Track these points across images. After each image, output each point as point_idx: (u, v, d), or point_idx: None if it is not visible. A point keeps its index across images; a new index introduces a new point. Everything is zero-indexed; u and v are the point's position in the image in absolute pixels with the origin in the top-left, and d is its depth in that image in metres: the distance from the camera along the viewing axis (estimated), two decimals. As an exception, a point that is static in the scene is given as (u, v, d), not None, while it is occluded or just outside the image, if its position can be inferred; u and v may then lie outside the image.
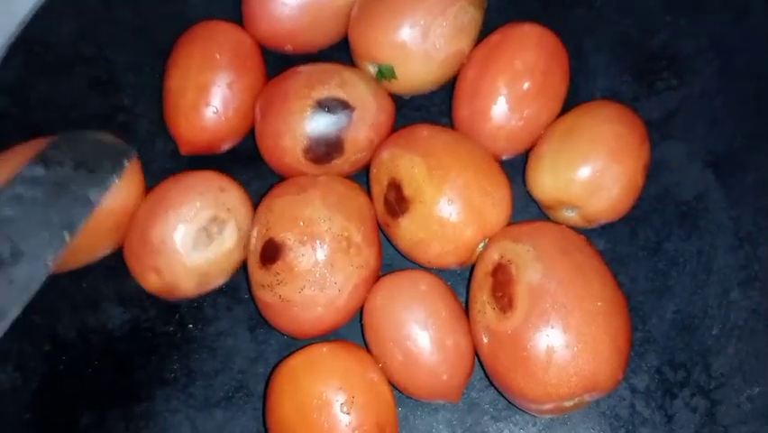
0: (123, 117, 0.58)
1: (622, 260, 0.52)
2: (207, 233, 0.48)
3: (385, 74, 0.52)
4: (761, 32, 0.57)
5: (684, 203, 0.53)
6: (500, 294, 0.44)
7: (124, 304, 0.52)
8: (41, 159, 0.48)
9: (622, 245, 0.53)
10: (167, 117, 0.54)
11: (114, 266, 0.53)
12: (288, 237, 0.46)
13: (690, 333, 0.50)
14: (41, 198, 0.46)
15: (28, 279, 0.44)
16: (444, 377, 0.46)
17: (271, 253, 0.47)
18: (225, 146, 0.54)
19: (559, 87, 0.51)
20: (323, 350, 0.46)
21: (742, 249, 0.52)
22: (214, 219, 0.49)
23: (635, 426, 0.48)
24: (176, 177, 0.51)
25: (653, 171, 0.53)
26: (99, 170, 0.49)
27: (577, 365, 0.41)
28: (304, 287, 0.46)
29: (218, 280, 0.51)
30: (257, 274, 0.47)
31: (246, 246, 0.50)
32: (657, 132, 0.55)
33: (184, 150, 0.53)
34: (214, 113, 0.52)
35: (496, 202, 0.48)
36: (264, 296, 0.47)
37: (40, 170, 0.48)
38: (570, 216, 0.50)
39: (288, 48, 0.55)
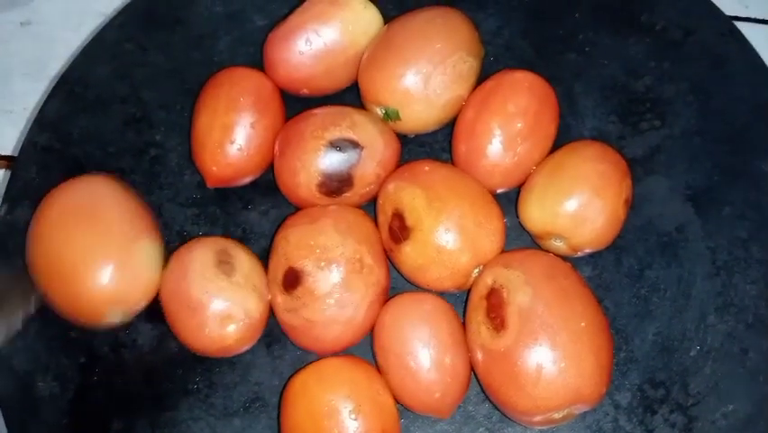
0: (154, 151, 0.61)
1: (607, 286, 0.55)
2: (224, 263, 0.51)
3: (390, 116, 0.56)
4: (737, 78, 0.60)
5: (666, 234, 0.56)
6: (494, 315, 0.47)
7: (152, 321, 0.55)
8: None
9: (607, 272, 0.55)
10: (195, 153, 0.58)
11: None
12: (306, 264, 0.50)
13: (669, 354, 0.53)
14: None
15: None
16: (437, 395, 0.48)
17: (292, 279, 0.50)
18: (248, 179, 0.58)
19: (548, 128, 0.55)
20: (332, 363, 0.50)
21: (718, 277, 0.54)
22: (218, 253, 0.52)
23: (617, 439, 0.51)
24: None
25: (638, 204, 0.56)
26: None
27: (564, 380, 0.44)
28: (326, 308, 0.49)
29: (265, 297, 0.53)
30: (281, 300, 0.51)
31: (268, 274, 0.53)
32: (641, 168, 0.58)
33: (210, 183, 0.57)
34: (238, 150, 0.56)
35: (489, 232, 0.51)
36: (290, 319, 0.51)
37: None
38: (558, 245, 0.53)
39: (304, 91, 0.59)
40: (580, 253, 0.54)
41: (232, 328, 0.50)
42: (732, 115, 0.59)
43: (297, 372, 0.51)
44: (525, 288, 0.47)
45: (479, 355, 0.48)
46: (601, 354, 0.46)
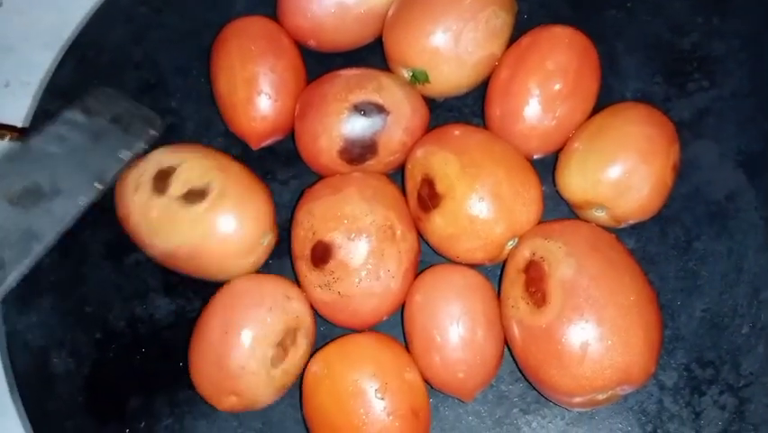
0: (170, 119, 0.58)
1: (652, 258, 0.51)
2: (283, 347, 0.47)
3: (419, 78, 0.53)
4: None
5: (714, 202, 0.52)
6: (534, 289, 0.44)
7: (170, 295, 0.53)
8: (83, 107, 0.51)
9: (652, 244, 0.52)
10: (227, 120, 0.55)
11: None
12: (335, 236, 0.47)
13: (719, 331, 0.49)
14: (80, 143, 0.49)
15: (63, 213, 0.46)
16: (461, 375, 0.46)
17: (322, 254, 0.47)
18: (289, 128, 0.54)
19: (590, 88, 0.51)
20: (355, 340, 0.47)
21: None
22: (288, 332, 0.47)
23: (662, 421, 0.47)
24: (240, 287, 0.48)
25: (684, 171, 0.52)
26: (131, 131, 0.51)
27: (611, 358, 0.41)
28: (360, 280, 0.46)
29: (291, 384, 0.49)
30: (311, 276, 0.48)
31: (293, 251, 0.50)
32: (688, 132, 0.54)
33: (254, 144, 0.54)
34: (269, 98, 0.52)
35: (526, 201, 0.47)
36: (322, 295, 0.48)
37: (81, 117, 0.50)
38: (599, 215, 0.49)
39: (311, 43, 0.56)
40: (623, 225, 0.50)
41: None
42: None
43: (318, 350, 0.48)
44: (567, 259, 0.43)
45: (516, 332, 0.45)
46: (651, 329, 0.42)
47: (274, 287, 0.48)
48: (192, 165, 0.49)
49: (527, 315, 0.44)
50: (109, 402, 0.51)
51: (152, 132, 0.52)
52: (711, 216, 0.52)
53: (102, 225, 0.54)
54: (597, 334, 0.41)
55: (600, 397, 0.43)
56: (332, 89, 0.51)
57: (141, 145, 0.51)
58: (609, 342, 0.41)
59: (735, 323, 0.49)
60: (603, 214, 0.49)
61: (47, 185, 0.47)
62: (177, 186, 0.48)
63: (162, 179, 0.49)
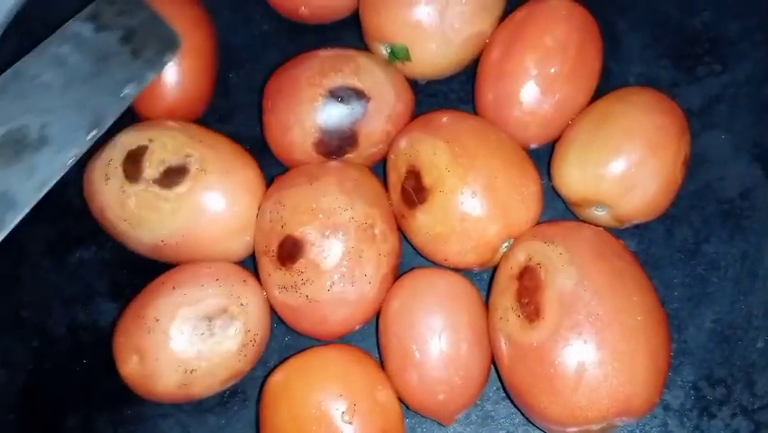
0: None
1: (656, 263, 0.46)
2: (209, 324, 0.41)
3: (398, 55, 0.47)
4: (816, 12, 0.50)
5: (727, 200, 0.47)
6: (526, 301, 0.39)
7: (117, 299, 0.48)
8: (94, 16, 0.44)
9: (656, 246, 0.47)
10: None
11: (108, 259, 0.49)
12: (308, 232, 0.41)
13: (731, 345, 0.45)
14: (81, 69, 0.42)
15: (47, 172, 0.40)
16: (441, 397, 0.40)
17: (291, 251, 0.42)
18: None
19: (593, 67, 0.46)
20: (319, 354, 0.41)
21: None
22: (223, 312, 0.41)
23: (667, 447, 0.43)
24: (204, 262, 0.44)
25: (693, 165, 0.47)
26: (143, 54, 0.44)
27: (610, 387, 0.36)
28: (333, 284, 0.41)
29: (203, 388, 0.42)
30: (275, 276, 0.42)
31: (255, 244, 0.44)
32: (698, 121, 0.49)
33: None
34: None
35: (525, 198, 0.42)
36: (287, 299, 0.42)
37: (89, 30, 0.43)
38: (599, 215, 0.44)
39: (303, 12, 0.50)
40: (625, 225, 0.44)
41: None
42: None
43: (278, 365, 0.42)
44: (568, 268, 0.38)
45: (503, 348, 0.40)
46: (658, 356, 0.37)
47: (237, 269, 0.44)
48: (164, 141, 0.44)
49: (517, 329, 0.38)
50: (45, 420, 0.47)
51: (167, 56, 0.45)
52: (723, 215, 0.47)
53: (43, 217, 0.48)
54: (596, 358, 0.36)
55: (594, 428, 0.38)
56: (304, 73, 0.46)
57: (151, 75, 0.44)
58: (610, 368, 0.36)
59: (748, 336, 0.45)
60: (604, 213, 0.44)
61: (34, 130, 0.40)
62: (151, 168, 0.43)
63: (134, 163, 0.43)
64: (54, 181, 0.41)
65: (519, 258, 0.41)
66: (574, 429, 0.38)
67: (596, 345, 0.36)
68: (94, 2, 0.44)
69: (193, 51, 0.47)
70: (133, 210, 0.43)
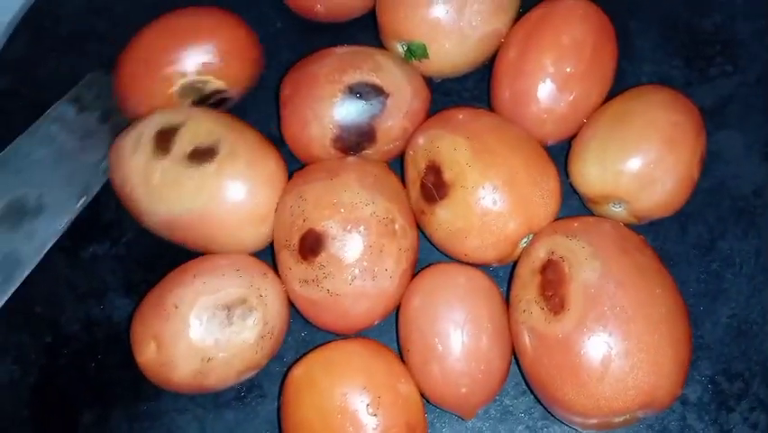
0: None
1: (671, 259, 0.47)
2: (228, 313, 0.41)
3: (415, 53, 0.47)
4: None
5: (741, 198, 0.48)
6: (551, 293, 0.39)
7: (131, 294, 0.48)
8: (75, 98, 0.49)
9: (671, 243, 0.47)
10: None
11: (122, 255, 0.49)
12: (330, 226, 0.41)
13: (747, 340, 0.45)
14: (68, 146, 0.47)
15: (45, 234, 0.45)
16: (463, 390, 0.40)
17: (313, 244, 0.41)
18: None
19: (608, 66, 0.46)
20: (342, 348, 0.41)
21: None
22: (242, 302, 0.41)
23: (685, 441, 0.43)
24: (225, 255, 0.44)
25: (707, 163, 0.47)
26: (119, 131, 0.47)
27: (636, 378, 0.36)
28: (354, 278, 0.41)
29: (218, 379, 0.42)
30: (296, 270, 0.42)
31: (275, 238, 0.44)
32: (711, 121, 0.49)
33: None
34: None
35: (545, 194, 0.42)
36: (308, 292, 0.42)
37: (71, 112, 0.48)
38: (617, 211, 0.44)
39: (319, 9, 0.51)
40: (641, 222, 0.45)
41: None
42: None
43: (299, 358, 0.42)
44: (592, 262, 0.38)
45: (527, 341, 0.40)
46: (681, 347, 0.38)
47: (258, 261, 0.44)
48: (198, 123, 0.44)
49: (541, 322, 0.39)
50: (58, 416, 0.46)
51: None
52: (737, 212, 0.48)
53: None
54: (622, 349, 0.36)
55: (617, 420, 0.38)
56: (322, 69, 0.46)
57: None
58: (635, 359, 0.36)
59: (764, 330, 0.45)
60: (621, 209, 0.44)
61: (32, 200, 0.45)
62: (181, 145, 0.43)
63: (165, 139, 0.43)
64: (51, 243, 0.45)
65: (541, 252, 0.41)
66: (596, 421, 0.38)
67: (621, 337, 0.36)
68: (75, 87, 0.49)
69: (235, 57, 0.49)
70: (156, 184, 0.43)
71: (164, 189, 0.43)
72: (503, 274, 0.46)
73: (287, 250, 0.43)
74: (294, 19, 0.53)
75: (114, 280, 0.49)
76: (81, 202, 0.47)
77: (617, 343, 0.36)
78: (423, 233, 0.46)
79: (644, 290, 0.37)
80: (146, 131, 0.44)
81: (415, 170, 0.45)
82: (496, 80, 0.47)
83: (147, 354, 0.41)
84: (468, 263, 0.44)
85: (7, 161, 0.45)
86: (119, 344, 0.46)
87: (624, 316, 0.36)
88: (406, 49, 0.48)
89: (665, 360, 0.36)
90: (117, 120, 0.49)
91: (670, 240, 0.47)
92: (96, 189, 0.48)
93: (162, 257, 0.47)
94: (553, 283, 0.39)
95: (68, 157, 0.47)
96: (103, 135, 0.48)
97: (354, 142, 0.45)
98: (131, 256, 0.49)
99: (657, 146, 0.42)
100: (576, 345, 0.37)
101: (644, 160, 0.42)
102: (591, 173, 0.44)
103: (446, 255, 0.45)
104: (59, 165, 0.46)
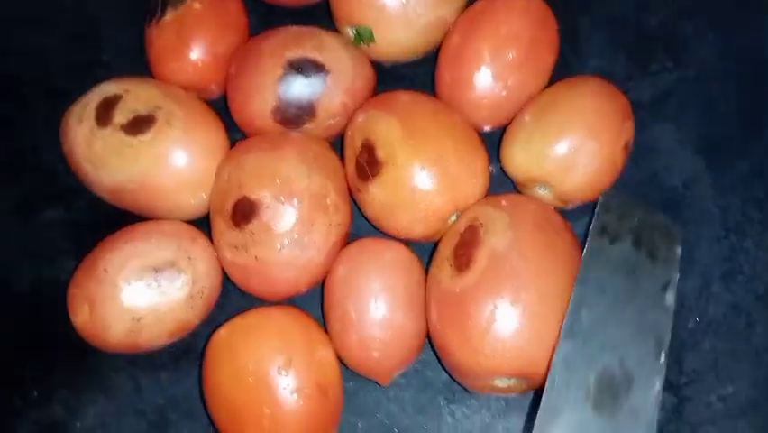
0: (101, 73, 0.56)
1: (600, 246, 0.49)
2: (156, 275, 0.44)
3: (363, 37, 0.51)
4: (763, 14, 0.54)
5: (670, 189, 0.51)
6: (461, 252, 0.42)
7: (81, 258, 0.50)
8: (601, 228, 0.41)
9: (601, 230, 0.50)
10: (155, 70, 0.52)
11: (75, 220, 0.52)
12: (264, 195, 0.44)
13: None
14: (619, 288, 0.38)
15: (646, 408, 0.35)
16: (375, 354, 0.44)
17: (246, 211, 0.45)
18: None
19: (546, 58, 0.49)
20: (262, 313, 0.45)
21: (727, 240, 0.49)
22: (170, 265, 0.45)
23: (596, 418, 0.45)
24: (157, 221, 0.48)
25: (641, 154, 0.51)
26: (657, 253, 0.40)
27: (516, 343, 0.39)
28: (283, 247, 0.44)
29: (151, 337, 0.45)
30: (227, 235, 0.46)
31: (210, 203, 0.48)
32: (648, 113, 0.53)
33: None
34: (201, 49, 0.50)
35: (472, 173, 0.46)
36: (236, 257, 0.45)
37: (604, 243, 0.40)
38: (543, 194, 0.48)
39: None
40: (568, 205, 0.47)
41: None
42: (756, 55, 0.53)
43: (223, 324, 0.46)
44: (506, 231, 0.42)
45: (432, 294, 0.43)
46: None
47: (187, 227, 0.47)
48: (138, 93, 0.47)
49: (447, 278, 0.42)
50: (3, 369, 0.49)
51: (677, 250, 0.42)
52: (666, 202, 0.51)
53: (13, 177, 0.52)
54: (508, 312, 0.39)
55: (500, 384, 0.41)
56: (268, 46, 0.49)
57: (676, 275, 0.40)
58: (518, 325, 0.39)
59: (681, 317, 0.48)
60: (547, 192, 0.47)
61: (616, 370, 0.36)
62: (121, 115, 0.46)
63: (107, 109, 0.47)
64: (655, 415, 0.36)
65: (470, 216, 0.44)
66: (480, 381, 0.41)
67: (510, 301, 0.39)
68: (596, 215, 0.43)
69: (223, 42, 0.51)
70: (99, 152, 0.46)
71: (107, 158, 0.46)
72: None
73: (220, 216, 0.46)
74: (256, 3, 0.56)
75: (66, 244, 0.52)
76: (663, 356, 0.38)
77: (504, 306, 0.39)
78: (359, 209, 0.49)
79: (546, 266, 0.41)
80: (91, 101, 0.47)
81: (351, 149, 0.48)
82: (439, 65, 0.51)
83: (82, 315, 0.45)
84: (399, 239, 0.47)
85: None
86: (65, 304, 0.50)
87: (518, 283, 0.40)
88: (354, 33, 0.51)
89: (549, 334, 0.39)
90: (651, 242, 0.42)
91: (599, 228, 0.50)
92: (668, 333, 0.39)
93: (112, 223, 0.50)
94: (466, 244, 0.42)
95: (624, 305, 0.39)
96: (645, 263, 0.41)
97: (294, 115, 0.48)
98: (83, 222, 0.52)
99: (580, 132, 0.45)
100: (468, 301, 0.40)
101: (567, 145, 0.45)
102: (519, 157, 0.47)
103: (380, 231, 0.48)
104: (621, 322, 0.38)
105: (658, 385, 0.33)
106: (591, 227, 0.40)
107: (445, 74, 0.50)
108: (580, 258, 0.43)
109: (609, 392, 0.32)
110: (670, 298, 0.37)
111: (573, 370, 0.31)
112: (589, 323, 0.34)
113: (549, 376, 0.30)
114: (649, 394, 0.33)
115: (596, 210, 0.41)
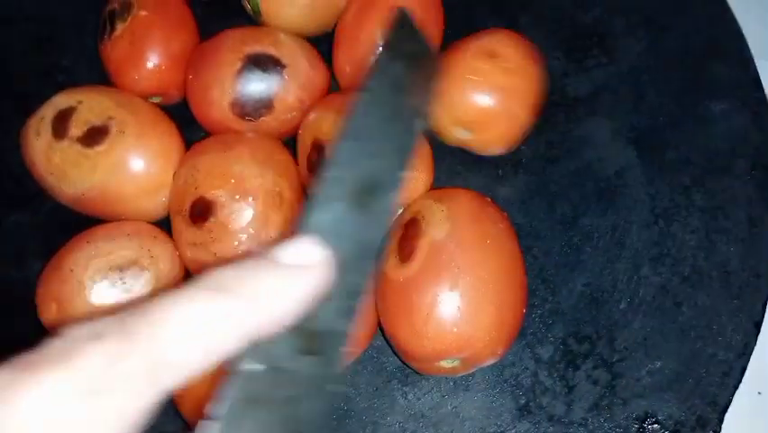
0: (61, 77, 0.58)
1: (538, 234, 0.53)
2: (121, 274, 0.47)
3: (253, 9, 0.54)
4: (693, 10, 0.57)
5: (604, 179, 0.54)
6: (405, 244, 0.46)
7: (49, 260, 0.53)
8: (393, 44, 0.39)
9: (539, 220, 0.53)
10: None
11: (43, 223, 0.55)
12: (219, 195, 0.47)
13: (597, 306, 0.51)
14: (391, 105, 0.36)
15: None
16: None
17: (202, 211, 0.47)
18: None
19: (433, 37, 0.52)
20: None
21: (656, 225, 0.53)
22: (133, 263, 0.47)
23: (535, 394, 0.49)
24: (119, 222, 0.50)
25: (576, 147, 0.54)
26: (420, 80, 0.39)
27: (455, 324, 0.43)
28: (240, 243, 0.47)
29: None
30: (186, 234, 0.48)
31: (170, 204, 0.50)
32: (583, 108, 0.56)
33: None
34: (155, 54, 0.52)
35: (417, 168, 0.48)
36: (196, 254, 0.48)
37: (391, 58, 0.38)
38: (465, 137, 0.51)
39: None
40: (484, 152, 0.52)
41: None
42: (685, 51, 0.57)
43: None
44: (444, 223, 0.45)
45: (379, 285, 0.47)
46: (505, 309, 0.44)
47: (149, 226, 0.50)
48: (91, 105, 0.49)
49: (392, 268, 0.46)
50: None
51: (434, 84, 0.41)
52: (599, 192, 0.54)
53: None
54: (447, 297, 0.43)
55: (445, 365, 0.45)
56: (226, 42, 0.52)
57: (427, 107, 0.40)
58: (456, 307, 0.43)
59: (613, 298, 0.51)
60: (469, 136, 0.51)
61: (373, 174, 0.36)
62: (76, 127, 0.48)
63: (62, 122, 0.48)
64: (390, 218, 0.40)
65: (413, 209, 0.47)
66: (427, 363, 0.45)
67: (448, 287, 0.43)
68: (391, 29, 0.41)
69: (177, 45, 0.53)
70: (58, 165, 0.49)
71: (66, 170, 0.49)
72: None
73: (179, 215, 0.49)
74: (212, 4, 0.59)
75: (34, 246, 0.54)
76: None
77: (443, 291, 0.43)
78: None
79: (482, 254, 0.44)
80: (47, 114, 0.50)
81: (303, 148, 0.51)
82: (335, 48, 0.54)
83: (49, 313, 0.48)
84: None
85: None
86: (33, 304, 0.52)
87: (456, 270, 0.43)
88: (249, 5, 0.54)
89: (485, 316, 0.43)
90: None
91: (537, 217, 0.53)
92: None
93: (79, 225, 0.52)
94: (409, 236, 0.45)
95: None
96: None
97: (252, 107, 0.51)
98: (50, 224, 0.54)
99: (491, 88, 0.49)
100: (412, 289, 0.44)
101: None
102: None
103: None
104: None
105: (396, 194, 0.36)
106: (385, 41, 0.39)
107: (342, 58, 0.53)
108: (515, 247, 0.46)
109: (366, 192, 0.34)
110: (418, 124, 0.38)
111: (345, 167, 0.33)
112: (363, 128, 0.35)
113: (324, 171, 0.32)
114: (392, 199, 0.35)
115: (392, 24, 0.39)
